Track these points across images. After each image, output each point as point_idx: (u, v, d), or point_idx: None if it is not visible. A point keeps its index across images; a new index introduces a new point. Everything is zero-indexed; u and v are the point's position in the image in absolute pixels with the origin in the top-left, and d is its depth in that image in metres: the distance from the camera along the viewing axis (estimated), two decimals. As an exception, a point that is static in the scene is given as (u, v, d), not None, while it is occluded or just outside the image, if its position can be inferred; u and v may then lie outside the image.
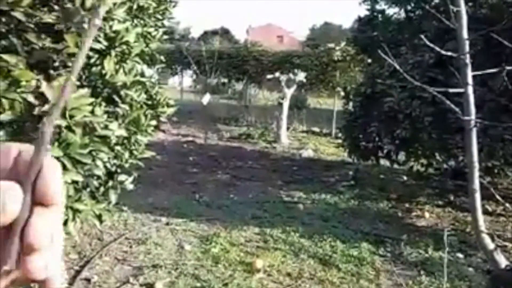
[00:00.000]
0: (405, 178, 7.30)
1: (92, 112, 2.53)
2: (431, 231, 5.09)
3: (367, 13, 8.03)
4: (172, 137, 10.77)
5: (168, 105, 3.77)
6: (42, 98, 2.34)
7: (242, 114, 13.74)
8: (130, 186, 3.49)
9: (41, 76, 2.43)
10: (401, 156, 6.65)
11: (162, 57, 3.91)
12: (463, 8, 2.74)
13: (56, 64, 2.64)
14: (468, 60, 2.79)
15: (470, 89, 2.79)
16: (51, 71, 2.61)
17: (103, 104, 2.93)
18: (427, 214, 5.63)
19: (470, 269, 4.05)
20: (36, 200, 0.39)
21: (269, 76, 12.02)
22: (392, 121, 5.78)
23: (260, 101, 17.67)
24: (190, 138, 10.72)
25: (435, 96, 2.94)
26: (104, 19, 2.67)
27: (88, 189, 3.02)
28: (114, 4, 2.74)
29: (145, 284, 3.46)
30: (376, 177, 7.57)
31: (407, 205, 6.03)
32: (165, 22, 4.09)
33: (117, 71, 2.96)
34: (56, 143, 2.37)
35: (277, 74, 11.12)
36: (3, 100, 2.32)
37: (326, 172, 7.95)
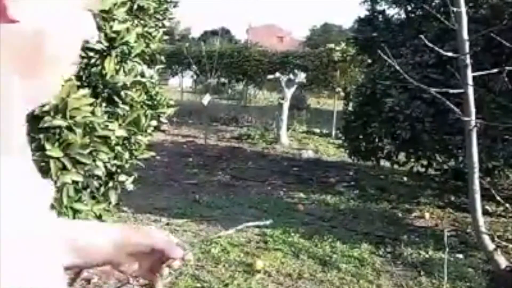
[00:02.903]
0: (405, 178, 7.30)
1: (92, 112, 2.53)
2: (431, 231, 5.09)
3: (367, 13, 8.03)
4: (172, 137, 10.77)
5: (168, 106, 3.76)
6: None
7: (242, 115, 13.73)
8: (130, 187, 3.49)
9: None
10: (401, 157, 6.65)
11: (162, 58, 3.91)
12: (463, 9, 2.74)
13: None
14: (468, 61, 2.79)
15: (470, 90, 2.79)
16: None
17: (104, 104, 2.93)
18: (427, 215, 5.63)
19: (470, 269, 4.05)
20: None
21: (269, 77, 12.02)
22: (392, 122, 5.79)
23: (260, 101, 17.68)
24: (190, 139, 10.72)
25: (435, 96, 2.94)
26: (105, 19, 2.67)
27: (88, 190, 3.02)
28: (114, 4, 2.74)
29: (145, 285, 3.46)
30: (376, 178, 7.57)
31: (407, 205, 6.03)
32: (166, 23, 4.09)
33: (117, 72, 2.96)
34: (57, 143, 2.37)
35: (277, 74, 11.11)
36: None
37: (326, 172, 7.95)
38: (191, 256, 0.93)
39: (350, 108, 8.51)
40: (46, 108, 2.31)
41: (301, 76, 10.99)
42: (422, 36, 3.06)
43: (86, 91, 2.56)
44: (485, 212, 4.38)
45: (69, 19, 0.44)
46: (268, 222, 1.43)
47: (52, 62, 0.45)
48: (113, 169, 3.25)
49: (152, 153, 3.54)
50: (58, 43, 0.44)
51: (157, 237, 0.88)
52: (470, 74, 2.82)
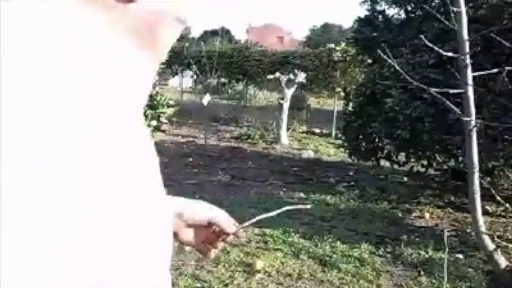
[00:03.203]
0: (405, 178, 7.30)
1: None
2: (431, 231, 5.09)
3: (367, 13, 8.03)
4: (172, 137, 10.77)
5: (168, 106, 3.77)
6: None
7: (242, 115, 13.73)
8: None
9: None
10: (401, 157, 6.65)
11: (162, 58, 3.90)
12: (463, 9, 2.74)
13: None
14: (468, 61, 2.78)
15: (470, 90, 2.79)
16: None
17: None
18: (427, 215, 5.63)
19: (470, 269, 4.05)
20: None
21: (269, 77, 12.02)
22: (392, 122, 5.79)
23: (260, 101, 17.68)
24: (190, 139, 10.72)
25: (435, 96, 2.94)
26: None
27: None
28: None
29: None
30: (376, 178, 7.57)
31: (407, 205, 6.03)
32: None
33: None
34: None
35: (277, 74, 11.11)
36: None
37: (326, 172, 7.95)
38: (242, 232, 1.00)
39: (350, 108, 8.51)
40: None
41: (301, 76, 10.98)
42: (422, 36, 3.05)
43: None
44: (485, 212, 4.39)
45: (181, 6, 0.46)
46: (309, 206, 1.53)
47: (162, 48, 0.47)
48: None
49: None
50: (170, 30, 0.46)
51: (215, 211, 0.99)
52: (470, 74, 2.82)
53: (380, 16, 7.88)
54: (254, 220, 1.07)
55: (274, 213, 1.09)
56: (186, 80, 19.69)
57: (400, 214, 5.70)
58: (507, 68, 2.81)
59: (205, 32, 37.24)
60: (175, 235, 0.94)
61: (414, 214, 5.71)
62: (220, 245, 1.00)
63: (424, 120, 5.48)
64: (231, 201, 5.92)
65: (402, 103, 5.59)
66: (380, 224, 5.27)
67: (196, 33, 41.88)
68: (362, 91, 6.95)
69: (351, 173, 7.87)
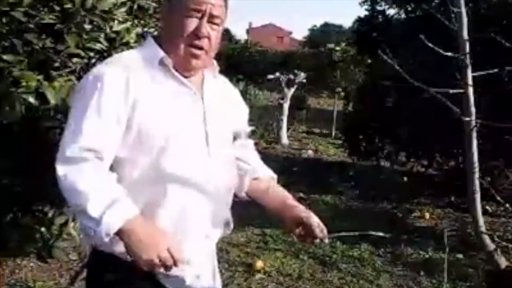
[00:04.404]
0: (405, 178, 7.30)
1: (92, 112, 2.52)
2: (432, 231, 5.09)
3: (367, 13, 8.03)
4: (172, 137, 10.73)
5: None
6: (42, 98, 2.34)
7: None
8: (131, 187, 3.48)
9: (41, 77, 2.43)
10: (402, 157, 6.65)
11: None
12: (463, 9, 2.74)
13: (57, 64, 2.64)
14: (468, 61, 2.78)
15: (470, 90, 2.79)
16: (52, 72, 2.61)
17: (104, 104, 2.92)
18: (427, 215, 5.63)
19: (471, 269, 4.05)
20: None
21: (269, 77, 12.00)
22: (392, 122, 5.79)
23: (260, 101, 17.68)
24: (190, 139, 10.69)
25: (435, 96, 2.94)
26: (104, 19, 2.67)
27: (88, 190, 3.01)
28: (114, 4, 2.73)
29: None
30: (376, 178, 7.56)
31: (407, 205, 6.02)
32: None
33: (117, 72, 2.95)
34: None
35: (277, 74, 11.10)
36: (3, 101, 2.32)
37: (327, 172, 7.94)
38: (326, 240, 1.34)
39: (350, 108, 8.52)
40: (46, 107, 2.31)
41: (301, 76, 10.97)
42: (422, 36, 3.05)
43: (86, 91, 2.55)
44: (485, 212, 4.39)
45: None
46: (387, 235, 1.78)
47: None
48: (113, 169, 3.24)
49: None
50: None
51: (310, 215, 1.41)
52: (470, 74, 2.82)
53: (380, 16, 7.89)
54: (342, 234, 1.48)
55: (374, 233, 1.43)
56: (186, 80, 19.67)
57: (400, 214, 5.70)
58: (507, 68, 2.81)
59: (205, 32, 37.08)
60: (280, 222, 1.44)
61: (414, 214, 5.71)
62: (310, 241, 1.37)
63: (424, 120, 5.48)
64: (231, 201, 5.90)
65: (402, 103, 5.59)
66: (380, 224, 5.26)
67: (196, 33, 41.75)
68: (362, 91, 6.96)
69: (351, 173, 7.86)
